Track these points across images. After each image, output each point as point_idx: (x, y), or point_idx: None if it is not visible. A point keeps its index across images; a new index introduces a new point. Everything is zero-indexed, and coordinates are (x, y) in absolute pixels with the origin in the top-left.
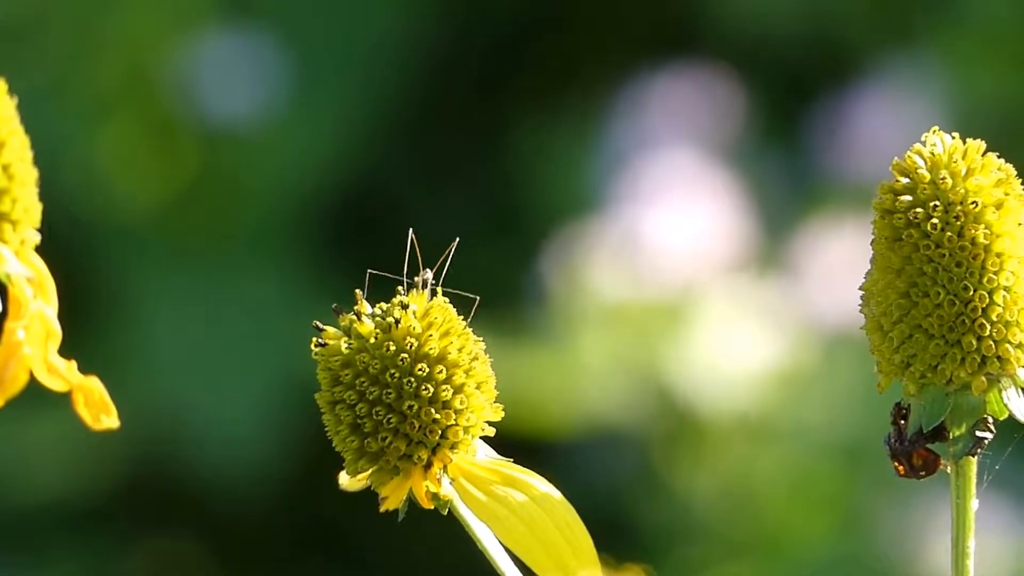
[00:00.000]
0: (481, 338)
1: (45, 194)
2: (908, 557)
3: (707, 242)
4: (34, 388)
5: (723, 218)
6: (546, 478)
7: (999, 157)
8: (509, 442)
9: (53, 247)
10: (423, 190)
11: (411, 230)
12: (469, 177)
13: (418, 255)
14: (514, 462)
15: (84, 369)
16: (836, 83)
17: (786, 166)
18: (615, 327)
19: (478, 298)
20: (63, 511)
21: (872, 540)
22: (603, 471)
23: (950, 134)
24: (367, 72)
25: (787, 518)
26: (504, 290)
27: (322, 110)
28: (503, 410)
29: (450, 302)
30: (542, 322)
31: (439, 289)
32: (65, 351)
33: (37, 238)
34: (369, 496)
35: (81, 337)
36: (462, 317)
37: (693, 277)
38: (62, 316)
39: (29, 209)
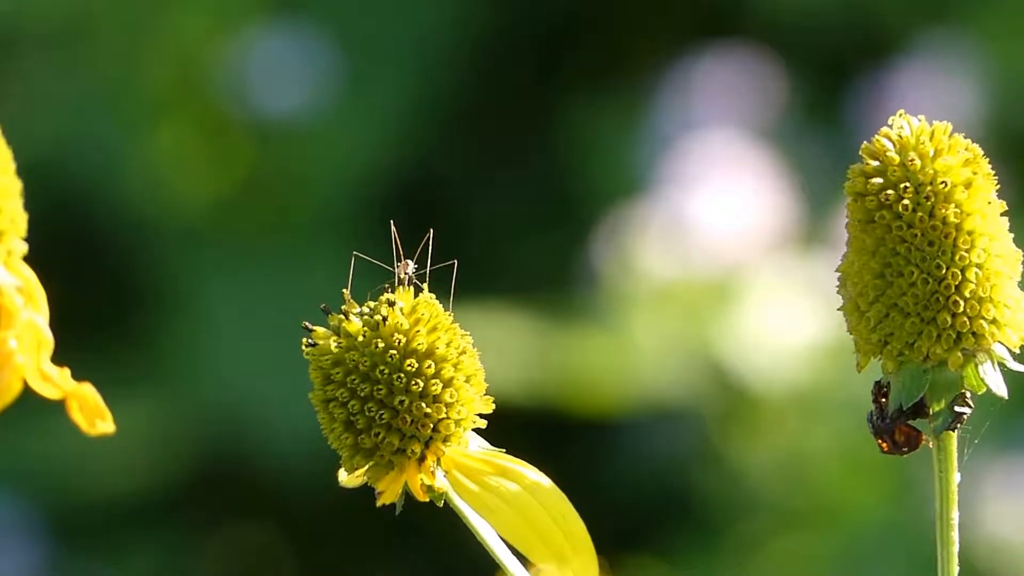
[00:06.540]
0: (468, 332)
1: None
2: (960, 522)
3: (753, 220)
4: (104, 384)
5: (767, 196)
6: (606, 455)
7: None
8: (568, 421)
9: (115, 248)
10: (475, 178)
11: (392, 223)
12: (520, 164)
13: (399, 248)
14: (577, 441)
15: (152, 367)
16: (875, 61)
17: (827, 144)
18: (666, 307)
19: (455, 261)
20: (135, 505)
21: (924, 507)
22: (661, 448)
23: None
24: (417, 63)
25: (841, 489)
26: (557, 274)
27: (374, 101)
28: (562, 389)
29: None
30: (595, 304)
31: (424, 285)
32: (133, 350)
33: (24, 248)
34: None
35: (147, 336)
36: (449, 312)
37: (740, 255)
38: (129, 317)
39: (15, 220)
